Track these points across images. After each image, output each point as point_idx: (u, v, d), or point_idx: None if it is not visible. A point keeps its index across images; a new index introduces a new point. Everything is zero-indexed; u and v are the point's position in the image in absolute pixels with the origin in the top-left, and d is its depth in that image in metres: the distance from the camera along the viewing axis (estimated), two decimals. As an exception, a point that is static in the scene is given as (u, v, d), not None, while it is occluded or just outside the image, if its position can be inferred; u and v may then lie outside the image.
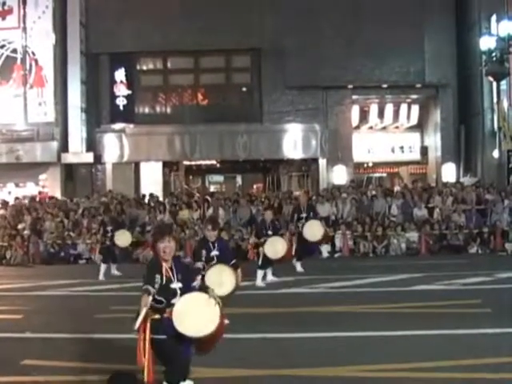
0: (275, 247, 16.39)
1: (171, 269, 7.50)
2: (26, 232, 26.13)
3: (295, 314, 12.48)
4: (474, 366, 8.54)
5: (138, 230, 25.50)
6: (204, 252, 11.80)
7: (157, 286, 7.31)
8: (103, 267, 19.88)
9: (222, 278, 10.99)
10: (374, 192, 27.36)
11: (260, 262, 16.78)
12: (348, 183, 30.73)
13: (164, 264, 7.49)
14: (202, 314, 7.31)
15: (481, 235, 24.48)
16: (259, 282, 16.63)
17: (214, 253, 11.81)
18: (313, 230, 18.48)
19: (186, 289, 7.51)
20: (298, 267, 18.94)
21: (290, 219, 20.84)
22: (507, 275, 17.01)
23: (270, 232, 17.00)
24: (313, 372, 8.53)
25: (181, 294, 7.41)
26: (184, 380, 7.42)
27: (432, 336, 10.37)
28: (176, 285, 7.44)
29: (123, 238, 20.19)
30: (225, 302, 8.02)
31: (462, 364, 8.64)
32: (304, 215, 19.38)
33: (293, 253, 17.79)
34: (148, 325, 7.26)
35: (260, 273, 16.76)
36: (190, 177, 37.66)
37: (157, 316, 7.35)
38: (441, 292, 14.89)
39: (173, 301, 7.35)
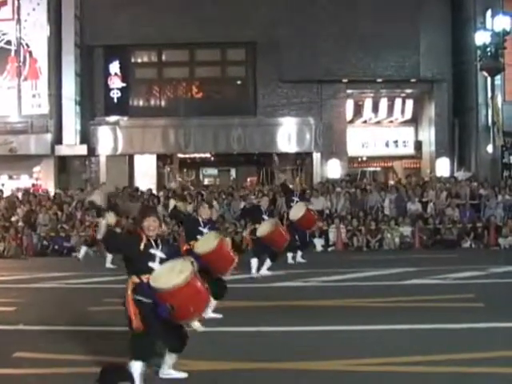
0: (265, 226, 16.50)
1: (155, 241, 8.01)
2: (20, 224, 26.13)
3: (287, 308, 12.49)
4: (467, 360, 8.55)
5: (130, 223, 25.47)
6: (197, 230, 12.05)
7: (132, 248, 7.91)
8: (110, 256, 19.85)
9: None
10: (368, 187, 27.31)
11: (254, 249, 16.86)
12: (342, 177, 30.77)
13: (144, 234, 7.98)
14: (175, 269, 7.68)
15: (474, 230, 24.56)
16: (254, 272, 16.70)
17: (206, 231, 11.93)
18: (295, 211, 18.85)
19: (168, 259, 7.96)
20: (289, 259, 19.07)
21: (285, 205, 21.05)
22: (500, 270, 17.08)
23: (266, 217, 17.05)
24: (305, 366, 8.54)
25: (160, 262, 7.85)
26: (146, 359, 7.73)
27: (425, 330, 10.39)
28: (156, 252, 7.93)
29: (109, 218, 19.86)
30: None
31: (455, 358, 8.65)
32: (296, 199, 19.68)
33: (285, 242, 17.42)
34: (130, 287, 7.83)
35: (254, 261, 16.80)
36: (184, 170, 37.60)
37: (137, 280, 7.82)
38: (434, 286, 14.91)
39: (150, 264, 7.81)
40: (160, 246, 7.98)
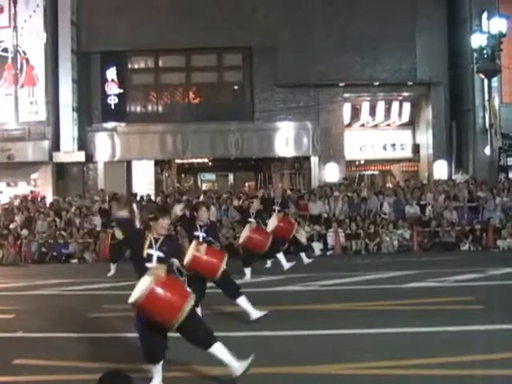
0: (244, 233, 16.65)
1: (156, 240, 8.26)
2: (18, 231, 26.12)
3: (286, 312, 12.47)
4: (466, 363, 8.55)
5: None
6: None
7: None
8: (114, 267, 19.78)
9: None
10: (364, 194, 27.17)
11: (241, 257, 17.06)
12: (340, 181, 30.76)
13: (150, 235, 8.30)
14: (141, 283, 7.88)
15: (473, 232, 24.55)
16: (248, 277, 16.86)
17: (202, 235, 11.84)
18: (271, 222, 18.73)
19: (165, 260, 8.14)
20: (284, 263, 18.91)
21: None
22: (499, 272, 17.06)
23: (252, 220, 17.16)
24: (303, 370, 8.53)
25: (157, 262, 8.11)
26: (157, 361, 8.05)
27: (424, 333, 10.39)
28: (153, 252, 8.17)
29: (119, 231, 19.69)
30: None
31: (455, 361, 8.66)
32: (277, 208, 19.57)
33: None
34: None
35: (247, 270, 17.01)
36: (182, 175, 37.62)
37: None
38: (433, 289, 14.90)
39: (147, 265, 8.07)
40: (159, 245, 8.18)
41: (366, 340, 10.17)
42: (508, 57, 29.79)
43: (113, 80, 32.94)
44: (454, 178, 30.56)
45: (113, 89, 32.94)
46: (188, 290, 8.14)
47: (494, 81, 29.94)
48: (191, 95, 34.38)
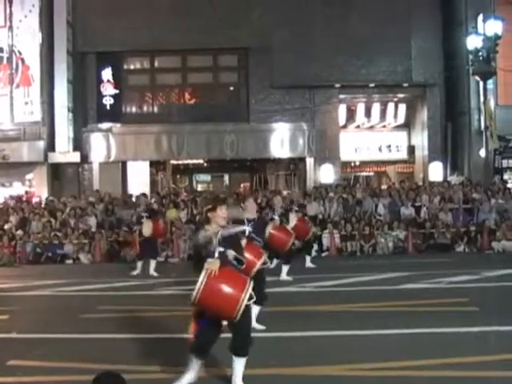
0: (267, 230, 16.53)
1: (215, 233, 8.04)
2: (13, 232, 26.08)
3: (282, 313, 12.46)
4: (461, 365, 8.56)
5: (124, 230, 25.49)
6: None
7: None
8: (140, 264, 19.75)
9: None
10: (358, 195, 27.15)
11: None
12: (336, 182, 30.78)
13: (210, 229, 8.10)
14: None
15: (468, 234, 24.60)
16: None
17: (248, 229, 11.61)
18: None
19: (224, 254, 7.98)
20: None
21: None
22: (494, 274, 17.08)
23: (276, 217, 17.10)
24: (299, 371, 8.53)
25: (218, 257, 7.85)
26: (198, 357, 7.86)
27: (419, 334, 10.39)
28: (214, 247, 7.97)
29: (147, 228, 19.55)
30: None
31: (450, 362, 8.66)
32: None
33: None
34: None
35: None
36: (178, 176, 37.61)
37: None
38: (428, 290, 14.91)
39: (209, 260, 7.80)
40: (219, 239, 8.02)
41: (362, 341, 10.16)
42: (503, 59, 29.82)
43: (108, 80, 32.93)
44: (449, 179, 30.58)
45: (108, 89, 32.93)
46: (246, 278, 7.91)
47: (490, 83, 29.99)
48: (187, 96, 34.36)
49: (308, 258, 20.35)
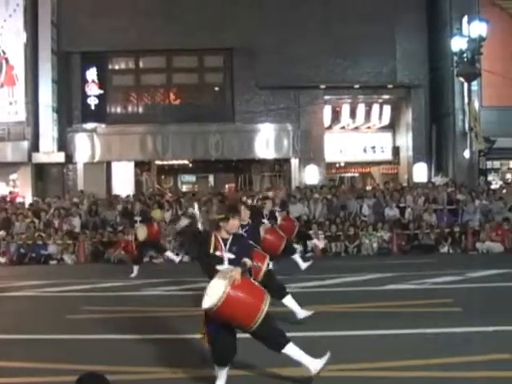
0: None
1: (224, 240, 8.05)
2: (-3, 232, 25.98)
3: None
4: (445, 365, 8.57)
5: (109, 231, 25.45)
6: None
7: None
8: (136, 269, 19.74)
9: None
10: (343, 197, 27.18)
11: None
12: (321, 183, 30.81)
13: (218, 235, 8.08)
14: (215, 287, 7.57)
15: (452, 235, 24.68)
16: None
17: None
18: None
19: (237, 261, 7.93)
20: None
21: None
22: (478, 274, 17.16)
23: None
24: (284, 372, 8.50)
25: (229, 264, 7.90)
26: (220, 366, 7.88)
27: (403, 335, 10.40)
28: (223, 254, 7.98)
29: (141, 232, 19.64)
30: None
31: (434, 363, 8.67)
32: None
33: None
34: None
35: None
36: (162, 177, 37.52)
37: None
38: (412, 291, 14.93)
39: (218, 267, 7.89)
40: (229, 246, 8.02)
41: (345, 342, 10.16)
42: (488, 60, 29.90)
43: (93, 81, 32.82)
44: (433, 180, 30.65)
45: (93, 89, 32.82)
46: (263, 289, 7.94)
47: (474, 84, 30.10)
48: (172, 96, 34.30)
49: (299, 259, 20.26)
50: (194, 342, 9.57)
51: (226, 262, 7.90)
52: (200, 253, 8.21)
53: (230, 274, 7.58)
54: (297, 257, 17.51)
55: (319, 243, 21.69)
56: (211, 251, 7.96)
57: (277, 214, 18.79)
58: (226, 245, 8.01)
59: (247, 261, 8.03)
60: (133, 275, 19.45)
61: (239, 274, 7.64)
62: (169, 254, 20.97)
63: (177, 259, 20.95)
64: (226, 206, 11.34)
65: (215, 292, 7.50)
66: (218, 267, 7.85)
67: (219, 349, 7.77)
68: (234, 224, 8.12)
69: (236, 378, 8.27)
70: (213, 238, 8.03)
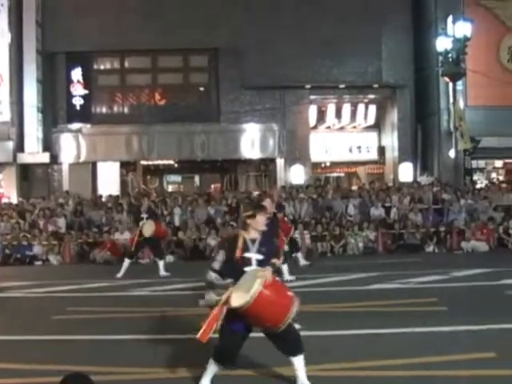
0: None
1: (253, 240, 7.93)
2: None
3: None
4: (430, 364, 8.59)
5: (94, 231, 25.38)
6: None
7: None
8: (128, 262, 19.54)
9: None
10: (329, 196, 27.26)
11: None
12: (306, 183, 30.83)
13: (246, 236, 7.95)
14: (246, 286, 7.50)
15: (437, 234, 24.75)
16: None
17: None
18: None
19: (265, 262, 7.83)
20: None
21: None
22: (463, 273, 17.22)
23: None
24: (270, 372, 8.52)
25: (258, 265, 7.79)
26: (223, 365, 7.82)
27: (389, 334, 10.42)
28: (253, 255, 7.85)
29: (148, 228, 19.25)
30: None
31: (419, 362, 8.69)
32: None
33: None
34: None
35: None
36: (148, 177, 37.44)
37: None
38: (398, 291, 14.96)
39: (245, 268, 7.76)
40: (257, 246, 7.91)
41: (332, 342, 10.17)
42: (473, 60, 30.04)
43: (78, 81, 32.77)
44: (419, 180, 30.78)
45: (78, 90, 32.76)
46: (292, 291, 7.87)
47: (459, 84, 30.22)
48: (157, 96, 34.27)
49: (300, 256, 20.38)
50: (182, 343, 9.59)
51: (254, 264, 7.82)
52: (228, 255, 7.99)
53: (262, 274, 7.51)
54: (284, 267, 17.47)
55: (301, 261, 21.39)
56: (239, 254, 7.83)
57: None
58: (254, 246, 7.91)
59: (276, 261, 8.03)
60: (120, 274, 19.31)
61: (271, 274, 7.58)
62: (162, 272, 19.76)
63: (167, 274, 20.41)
64: (252, 204, 11.31)
65: (247, 290, 7.42)
66: (246, 268, 7.76)
67: (227, 347, 7.71)
68: (261, 220, 8.02)
69: (237, 378, 8.31)
70: (241, 240, 7.91)
